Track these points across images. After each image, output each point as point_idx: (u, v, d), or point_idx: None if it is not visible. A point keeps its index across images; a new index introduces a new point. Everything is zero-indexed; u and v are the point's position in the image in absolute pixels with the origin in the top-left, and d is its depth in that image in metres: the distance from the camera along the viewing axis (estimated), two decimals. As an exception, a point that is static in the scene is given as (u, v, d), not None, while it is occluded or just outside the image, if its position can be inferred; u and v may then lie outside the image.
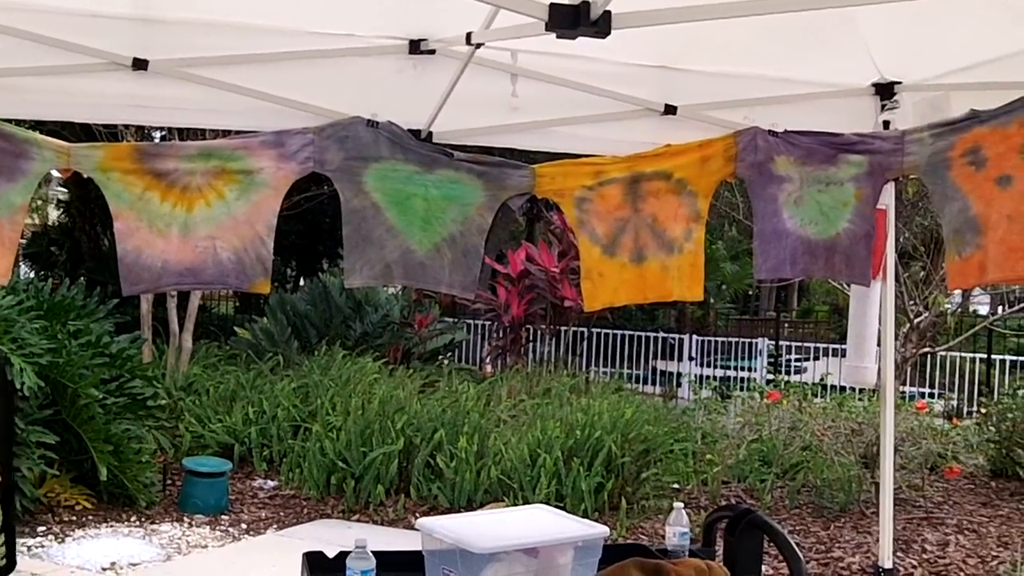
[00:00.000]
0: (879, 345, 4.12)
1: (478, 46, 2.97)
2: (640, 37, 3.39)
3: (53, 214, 24.84)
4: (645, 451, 8.10)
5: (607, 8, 1.85)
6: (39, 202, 27.97)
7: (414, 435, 8.19)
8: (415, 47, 3.36)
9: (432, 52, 3.36)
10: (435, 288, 3.58)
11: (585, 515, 7.48)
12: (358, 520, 7.64)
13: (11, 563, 1.14)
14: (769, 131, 3.66)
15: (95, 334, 8.16)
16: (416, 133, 3.49)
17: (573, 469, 7.58)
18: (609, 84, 3.61)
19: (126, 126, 10.58)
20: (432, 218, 3.40)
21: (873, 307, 4.07)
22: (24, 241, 23.41)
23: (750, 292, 27.78)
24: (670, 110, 3.72)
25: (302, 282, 22.49)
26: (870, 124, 3.87)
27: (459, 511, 7.33)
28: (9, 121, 3.21)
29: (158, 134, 14.05)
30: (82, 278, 10.08)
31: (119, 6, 3.12)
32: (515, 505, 7.03)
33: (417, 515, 7.55)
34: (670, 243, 3.64)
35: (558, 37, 1.94)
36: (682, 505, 3.35)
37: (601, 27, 1.86)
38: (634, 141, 3.72)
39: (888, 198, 3.92)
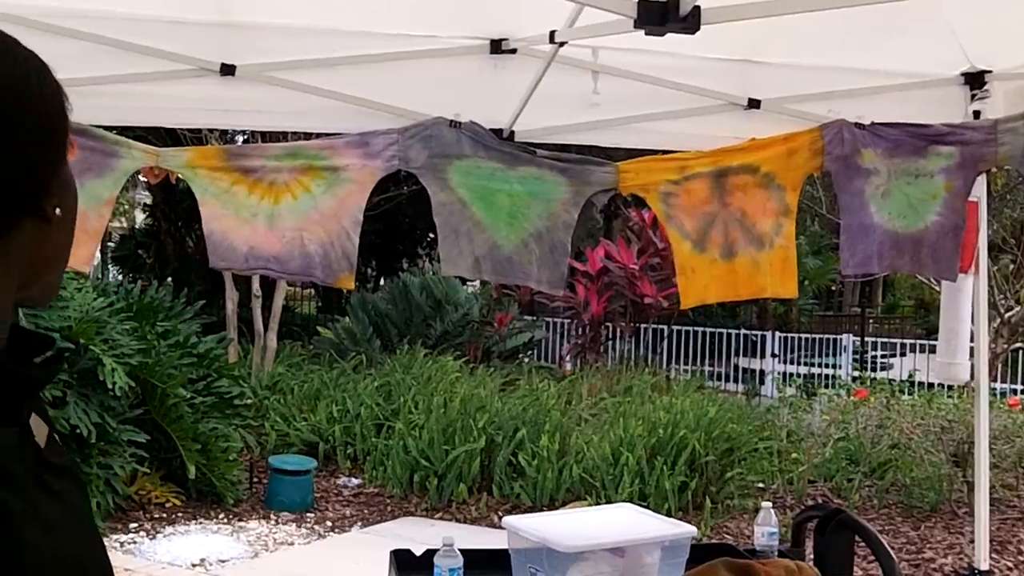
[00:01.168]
0: (972, 341, 4.02)
1: (561, 44, 2.95)
2: (720, 30, 3.35)
3: (139, 218, 25.40)
4: (729, 450, 8.02)
5: (696, 3, 1.83)
6: (125, 206, 28.66)
7: (496, 433, 8.21)
8: (496, 47, 3.36)
9: (513, 51, 3.36)
10: (523, 283, 3.59)
11: (669, 514, 7.43)
12: (441, 518, 7.68)
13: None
14: (855, 123, 3.60)
15: (183, 335, 8.32)
16: (498, 132, 3.49)
17: (656, 468, 7.53)
18: (691, 79, 3.57)
19: (211, 131, 10.77)
20: (517, 213, 3.41)
21: (965, 302, 3.97)
22: (112, 244, 23.99)
23: (833, 288, 27.34)
24: (753, 104, 3.67)
25: (382, 281, 22.67)
26: (959, 114, 3.77)
27: (541, 509, 7.34)
28: (102, 127, 3.30)
29: (240, 139, 14.29)
30: (169, 280, 10.30)
31: (206, 13, 3.17)
32: (597, 504, 7.02)
33: (499, 513, 7.57)
34: (760, 238, 3.60)
35: (647, 34, 1.92)
36: (770, 504, 3.30)
37: (690, 23, 1.84)
38: (717, 136, 3.69)
39: (979, 190, 3.82)
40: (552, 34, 2.85)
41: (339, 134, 3.39)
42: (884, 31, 3.43)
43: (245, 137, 13.89)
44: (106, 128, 3.30)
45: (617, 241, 12.61)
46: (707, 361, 15.92)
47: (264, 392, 10.35)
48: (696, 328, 15.77)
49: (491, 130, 3.47)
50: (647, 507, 7.33)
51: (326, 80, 3.38)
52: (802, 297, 22.46)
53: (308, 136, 3.92)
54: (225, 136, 11.76)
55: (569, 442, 8.05)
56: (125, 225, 27.33)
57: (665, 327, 15.32)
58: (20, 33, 2.71)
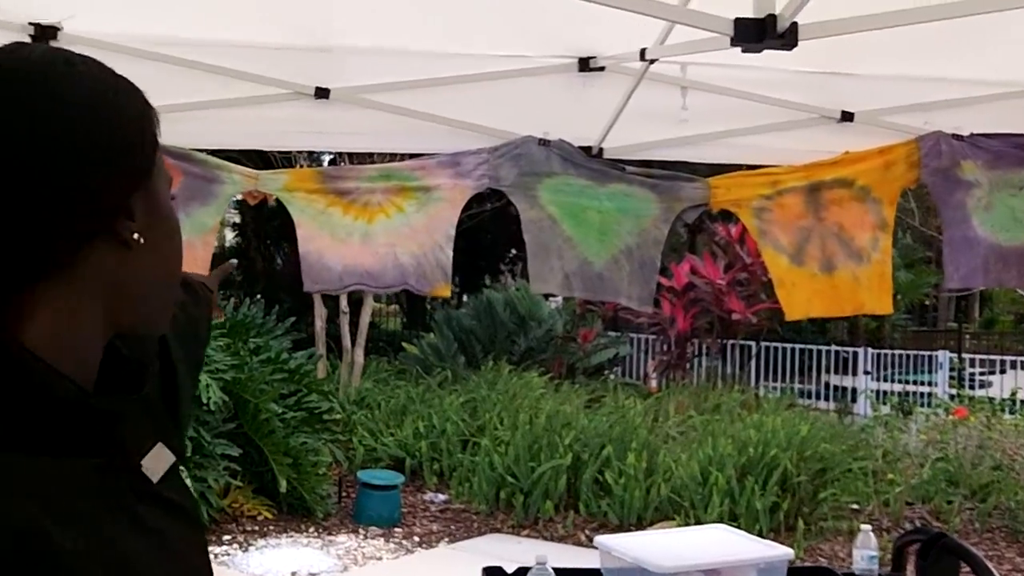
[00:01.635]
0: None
1: (652, 62, 2.94)
2: (810, 42, 3.32)
3: (228, 236, 25.93)
4: (822, 470, 7.88)
5: (795, 20, 1.81)
6: (227, 226, 29.28)
7: (582, 451, 8.19)
8: (585, 65, 3.35)
9: (602, 69, 3.35)
10: (614, 299, 3.58)
11: (760, 536, 7.31)
12: (527, 535, 7.67)
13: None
14: (953, 135, 3.53)
15: (274, 351, 8.47)
16: (587, 150, 3.49)
17: (747, 488, 7.43)
18: (781, 92, 3.52)
19: (299, 152, 10.97)
20: (608, 229, 3.41)
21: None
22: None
23: (926, 302, 26.75)
24: (846, 116, 3.60)
25: (465, 298, 22.81)
26: (1064, 125, 3.67)
27: (628, 528, 7.29)
28: (202, 151, 3.38)
29: (327, 158, 14.51)
30: (259, 297, 10.48)
31: (302, 38, 3.22)
32: (686, 524, 6.95)
33: (586, 532, 7.54)
34: (858, 252, 3.54)
35: (743, 51, 1.90)
36: (870, 527, 3.23)
37: (788, 39, 1.81)
38: (809, 150, 3.64)
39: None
40: (643, 52, 2.84)
41: (430, 154, 3.42)
42: (982, 39, 3.35)
43: (331, 158, 14.12)
44: (206, 151, 3.39)
45: (703, 256, 12.50)
46: (796, 378, 15.66)
47: (352, 407, 10.47)
48: (785, 344, 15.52)
49: (580, 148, 3.47)
50: (738, 528, 7.25)
51: (417, 101, 3.41)
52: (895, 312, 22.02)
53: (400, 157, 3.97)
54: (312, 157, 11.95)
55: (656, 460, 7.99)
56: (215, 244, 27.92)
57: (753, 344, 15.12)
58: (124, 61, 2.78)
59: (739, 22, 1.82)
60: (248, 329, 8.65)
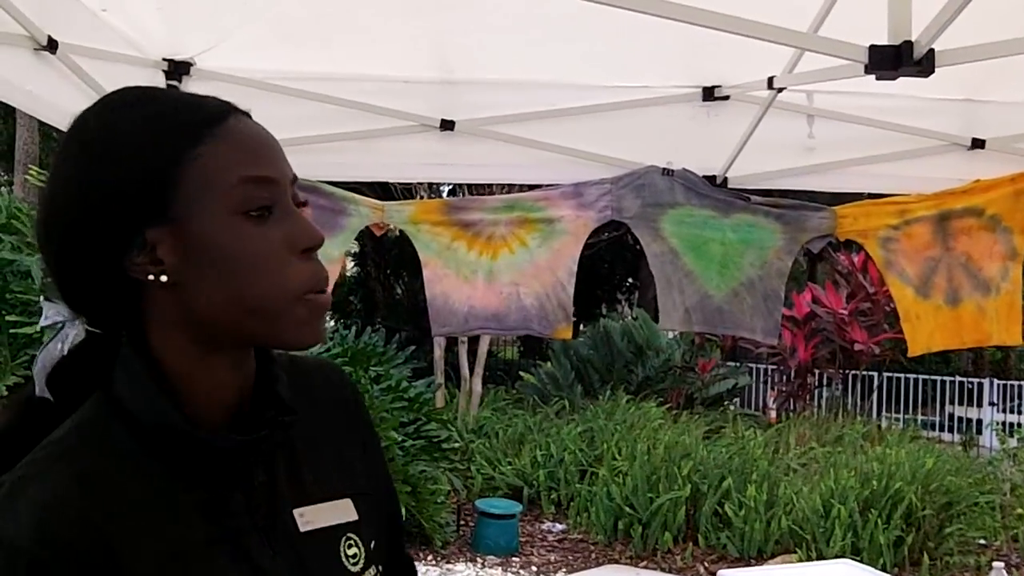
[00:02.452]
0: None
1: (780, 90, 2.93)
2: (941, 69, 3.26)
3: (349, 265, 26.45)
4: (948, 503, 7.65)
5: (932, 47, 1.79)
6: (343, 253, 29.91)
7: (700, 482, 8.10)
8: (709, 94, 3.36)
9: (726, 98, 3.35)
10: (736, 332, 3.55)
11: (884, 571, 7.13)
12: (646, 567, 7.61)
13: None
14: (1089, 162, 3.43)
15: (394, 379, 8.57)
16: (711, 179, 3.48)
17: (870, 521, 7.25)
18: (910, 119, 3.47)
19: (418, 184, 11.15)
20: (729, 262, 3.40)
21: None
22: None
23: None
24: (977, 144, 3.53)
25: (582, 327, 22.80)
26: None
27: (749, 561, 7.19)
28: (328, 182, 3.48)
29: (446, 189, 14.72)
30: (379, 325, 10.66)
31: (427, 71, 3.31)
32: (808, 558, 6.81)
33: (705, 564, 7.45)
34: (986, 283, 3.47)
35: (878, 79, 1.89)
36: (1002, 565, 3.14)
37: (925, 66, 1.79)
38: (939, 178, 3.57)
39: None
40: (771, 80, 2.83)
41: (553, 185, 3.46)
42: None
43: (450, 188, 14.32)
44: (333, 184, 3.48)
45: (825, 285, 12.28)
46: (920, 410, 15.23)
47: (470, 435, 10.54)
48: (908, 375, 15.11)
49: (704, 177, 3.47)
50: (861, 562, 7.07)
51: (540, 132, 3.46)
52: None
53: (520, 188, 4.03)
54: (431, 188, 12.13)
55: (777, 492, 7.85)
56: (339, 273, 28.55)
57: (876, 374, 14.75)
58: (254, 96, 2.89)
59: (874, 49, 1.81)
60: (369, 357, 8.78)
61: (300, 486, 1.12)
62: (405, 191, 11.09)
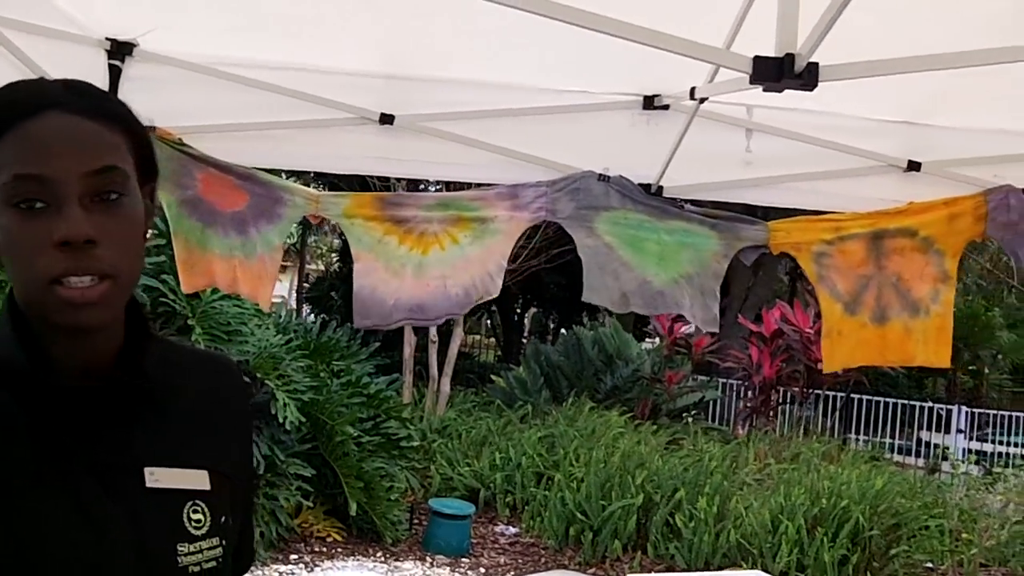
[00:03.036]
0: None
1: (702, 100, 2.96)
2: (883, 90, 3.28)
3: (333, 260, 26.48)
4: (896, 525, 7.68)
5: (811, 60, 1.81)
6: (324, 249, 29.91)
7: (654, 492, 8.13)
8: (649, 103, 3.39)
9: (666, 107, 3.38)
10: (676, 311, 3.55)
11: (829, 588, 7.18)
12: (594, 574, 7.63)
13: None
14: (1023, 190, 3.45)
15: (355, 375, 8.59)
16: (647, 187, 3.50)
17: (816, 539, 7.28)
18: (849, 139, 3.49)
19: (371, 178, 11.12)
20: (667, 257, 3.41)
21: None
22: (307, 285, 25.05)
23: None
24: (914, 166, 3.56)
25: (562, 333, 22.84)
26: None
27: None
28: (267, 170, 3.49)
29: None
30: (350, 321, 10.67)
31: (371, 64, 3.32)
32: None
33: (653, 573, 7.47)
34: (915, 304, 3.49)
35: (765, 90, 1.91)
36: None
37: (807, 80, 1.81)
38: (874, 198, 3.59)
39: None
40: (692, 90, 2.86)
41: (490, 185, 3.47)
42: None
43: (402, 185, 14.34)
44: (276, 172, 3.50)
45: (794, 304, 12.33)
46: (888, 433, 15.33)
47: (434, 435, 10.55)
48: (875, 398, 15.20)
49: (640, 185, 3.49)
50: (804, 579, 7.10)
51: (479, 131, 3.47)
52: (994, 372, 21.35)
53: (461, 186, 4.05)
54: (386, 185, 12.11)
55: (728, 506, 7.87)
56: (322, 268, 28.56)
57: (842, 394, 14.82)
58: (198, 80, 2.89)
59: (759, 60, 1.83)
60: (332, 352, 8.80)
61: (158, 449, 1.23)
62: (362, 187, 11.10)
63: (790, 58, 1.81)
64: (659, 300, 3.42)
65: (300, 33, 3.18)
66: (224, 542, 1.25)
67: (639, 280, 3.36)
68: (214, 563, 1.22)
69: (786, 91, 2.07)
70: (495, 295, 3.35)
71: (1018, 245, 3.49)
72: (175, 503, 1.21)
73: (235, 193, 3.36)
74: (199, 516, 1.22)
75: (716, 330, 3.75)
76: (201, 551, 1.20)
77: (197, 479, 1.24)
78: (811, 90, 1.83)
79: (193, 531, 1.21)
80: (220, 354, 1.55)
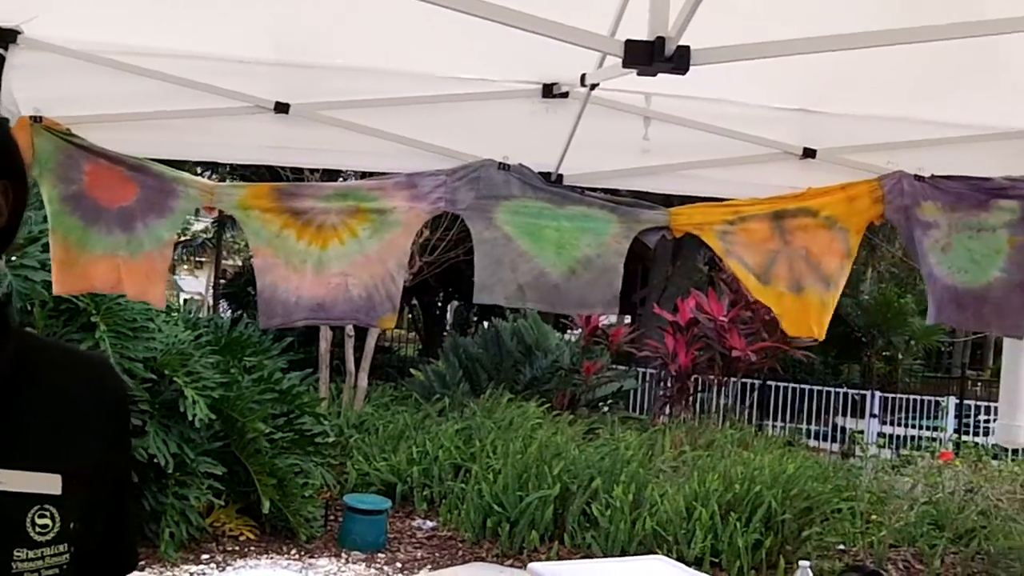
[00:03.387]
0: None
1: (593, 87, 2.96)
2: (779, 78, 3.31)
3: (251, 256, 26.06)
4: (808, 508, 7.80)
5: (680, 43, 1.81)
6: (241, 244, 29.49)
7: (571, 482, 8.15)
8: (548, 91, 3.38)
9: (565, 95, 3.37)
10: (573, 310, 3.56)
11: (741, 572, 7.27)
12: (511, 565, 7.63)
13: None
14: (915, 175, 3.52)
15: (268, 370, 8.47)
16: (547, 175, 3.49)
17: (730, 524, 7.36)
18: (746, 127, 3.53)
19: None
20: (565, 243, 3.40)
21: (1031, 361, 3.82)
22: (223, 281, 24.67)
23: (943, 348, 26.53)
24: (809, 153, 3.61)
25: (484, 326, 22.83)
26: (1032, 169, 3.65)
27: (612, 561, 7.23)
28: (161, 161, 3.41)
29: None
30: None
31: (265, 52, 3.26)
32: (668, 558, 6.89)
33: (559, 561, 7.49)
34: (826, 278, 3.52)
35: (639, 74, 1.91)
36: (808, 564, 3.21)
37: (678, 63, 1.81)
38: (771, 184, 3.63)
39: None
40: (583, 77, 2.86)
41: (388, 174, 3.43)
42: (952, 83, 3.35)
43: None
44: (164, 163, 3.41)
45: (708, 293, 12.47)
46: (806, 419, 15.61)
47: (351, 431, 10.46)
48: (789, 384, 15.47)
49: (540, 173, 3.48)
50: (719, 564, 7.19)
51: (378, 120, 3.43)
52: (908, 357, 21.86)
53: (361, 175, 4.00)
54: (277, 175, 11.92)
55: (644, 494, 7.93)
56: (240, 263, 28.17)
57: (757, 381, 15.05)
58: (86, 68, 2.80)
59: (630, 44, 1.83)
60: (244, 348, 8.67)
61: (5, 451, 1.19)
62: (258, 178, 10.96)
63: (660, 41, 1.81)
64: (555, 295, 3.41)
65: (192, 19, 3.10)
66: (72, 549, 1.21)
67: (536, 271, 3.35)
68: (56, 571, 1.18)
69: (686, 78, 2.07)
70: (396, 304, 3.31)
71: (910, 229, 3.56)
72: (19, 507, 1.17)
73: (124, 186, 3.27)
74: (46, 521, 1.18)
75: (615, 312, 3.76)
76: (43, 558, 1.17)
77: (47, 483, 1.20)
78: (683, 73, 1.83)
79: (36, 537, 1.17)
80: (90, 353, 1.52)
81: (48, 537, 1.17)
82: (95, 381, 1.36)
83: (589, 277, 3.41)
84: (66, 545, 1.19)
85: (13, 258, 6.38)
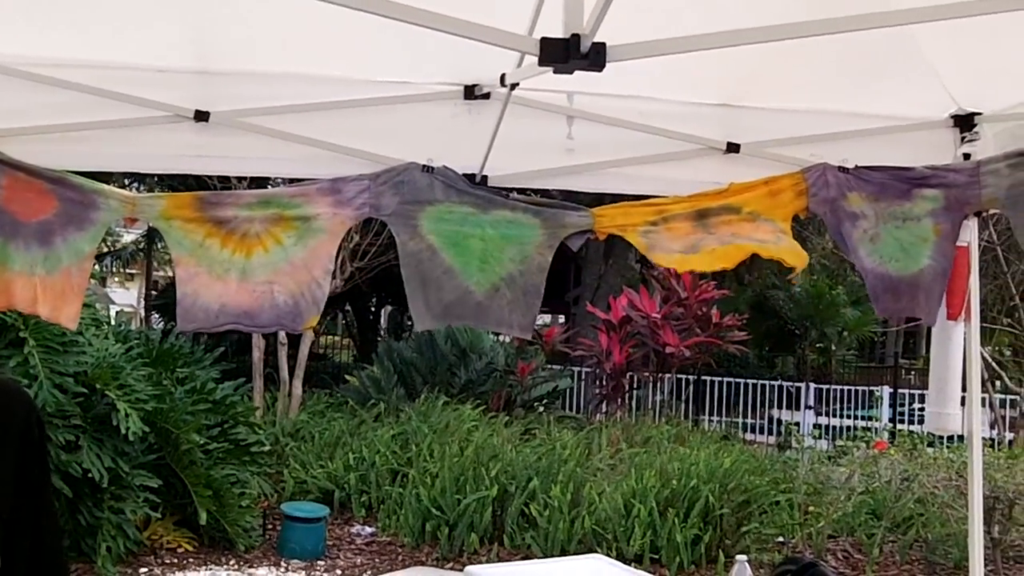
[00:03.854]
0: (964, 391, 3.93)
1: (513, 87, 2.96)
2: (700, 74, 3.34)
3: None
4: (745, 502, 7.88)
5: (595, 40, 1.81)
6: (170, 255, 29.11)
7: (508, 483, 8.15)
8: (470, 92, 3.38)
9: (487, 96, 3.37)
10: (495, 329, 3.56)
11: (681, 568, 7.32)
12: (452, 568, 7.60)
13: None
14: (839, 167, 3.56)
15: (200, 381, 8.36)
16: (471, 177, 3.48)
17: (668, 520, 7.42)
18: (668, 123, 3.56)
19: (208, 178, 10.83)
20: (490, 257, 3.39)
21: (956, 350, 3.88)
22: (155, 293, 24.32)
23: (876, 338, 26.99)
24: (732, 148, 3.65)
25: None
26: (949, 157, 3.73)
27: (552, 561, 7.24)
28: (84, 174, 3.34)
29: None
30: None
31: (182, 60, 3.22)
32: (608, 556, 6.92)
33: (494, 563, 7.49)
34: (761, 240, 3.50)
35: (555, 72, 1.91)
36: (746, 558, 3.23)
37: (593, 60, 1.82)
38: (696, 180, 3.64)
39: (969, 234, 3.74)
40: (503, 77, 2.86)
41: (311, 180, 3.40)
42: (871, 74, 3.41)
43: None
44: (87, 174, 3.34)
45: (640, 291, 12.55)
46: (741, 412, 15.78)
47: (286, 439, 10.37)
48: (728, 379, 15.62)
49: (464, 175, 3.47)
50: (659, 560, 7.23)
51: (300, 126, 3.41)
52: (841, 348, 22.19)
53: (285, 182, 3.96)
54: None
55: (582, 493, 7.95)
56: (170, 274, 27.78)
57: (691, 377, 15.18)
58: (2, 83, 2.73)
59: (545, 42, 1.83)
60: (175, 359, 8.55)
61: None
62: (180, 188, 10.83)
63: (575, 39, 1.81)
64: (477, 313, 3.39)
65: (108, 29, 3.06)
66: None
67: (461, 289, 3.33)
68: None
69: (609, 76, 2.08)
70: (321, 307, 3.28)
71: (838, 221, 3.60)
72: None
73: (42, 199, 3.19)
74: None
75: (529, 337, 3.77)
76: None
77: None
78: (599, 70, 1.83)
79: None
80: (6, 379, 1.47)
81: None
82: (10, 410, 1.33)
83: (511, 297, 3.39)
84: None
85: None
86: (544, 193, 3.71)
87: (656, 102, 3.52)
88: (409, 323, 24.76)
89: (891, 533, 8.15)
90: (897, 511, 8.13)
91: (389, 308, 25.90)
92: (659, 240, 3.52)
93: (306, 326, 3.30)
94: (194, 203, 3.32)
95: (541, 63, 1.85)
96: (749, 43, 2.19)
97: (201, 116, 3.32)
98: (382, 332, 25.35)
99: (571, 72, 1.89)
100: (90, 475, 6.65)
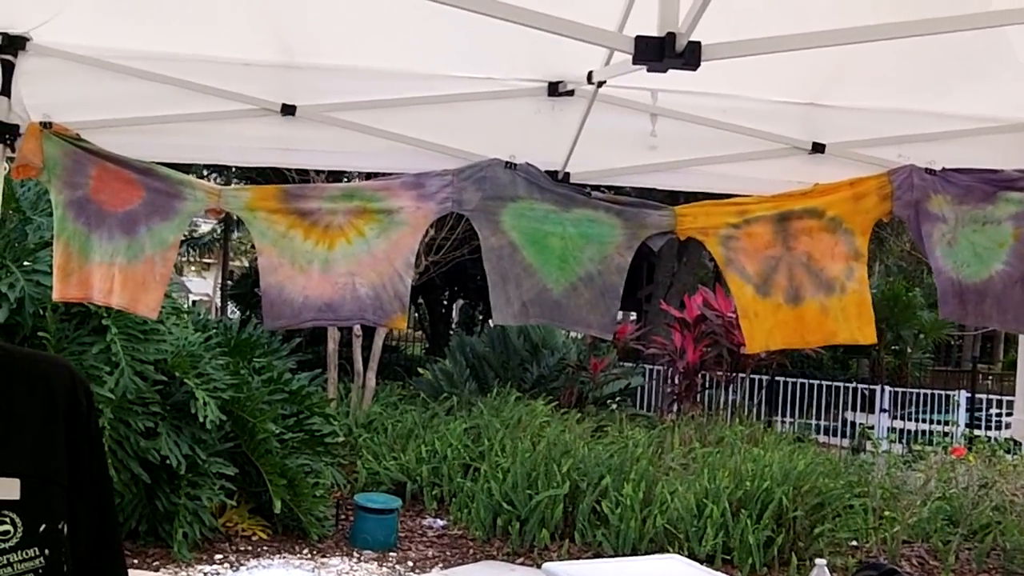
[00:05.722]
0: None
1: (600, 84, 2.94)
2: (785, 72, 3.30)
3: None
4: (819, 505, 7.78)
5: (691, 39, 1.80)
6: (248, 245, 29.56)
7: (580, 480, 8.14)
8: (554, 89, 3.37)
9: (571, 93, 3.36)
10: (572, 327, 3.56)
11: (753, 569, 7.25)
12: (522, 563, 7.62)
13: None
14: (926, 169, 3.49)
15: (277, 371, 8.49)
16: (553, 174, 3.48)
17: (741, 521, 7.35)
18: (753, 122, 3.51)
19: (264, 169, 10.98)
20: (569, 256, 3.39)
21: (1044, 356, 3.80)
22: (231, 283, 24.70)
23: (952, 342, 26.48)
24: (818, 148, 3.58)
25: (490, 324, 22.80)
26: (1047, 160, 3.63)
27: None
28: (168, 165, 3.41)
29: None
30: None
31: (269, 54, 3.26)
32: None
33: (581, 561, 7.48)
34: (829, 283, 3.50)
35: (649, 70, 1.90)
36: (824, 562, 3.19)
37: (688, 59, 1.80)
38: (780, 180, 3.61)
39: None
40: (590, 74, 2.85)
41: (395, 174, 3.42)
42: (961, 74, 3.34)
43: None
44: (172, 166, 3.41)
45: (715, 289, 12.44)
46: (815, 414, 15.57)
47: (360, 430, 10.48)
48: (799, 380, 15.42)
49: (546, 172, 3.47)
50: (731, 561, 7.17)
51: (385, 121, 3.42)
52: (916, 351, 21.80)
53: (367, 176, 3.99)
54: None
55: (654, 492, 7.91)
56: (247, 264, 28.21)
57: (765, 377, 15.00)
58: (93, 73, 2.81)
59: (640, 40, 1.82)
60: (253, 348, 8.69)
61: None
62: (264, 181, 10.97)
63: (671, 37, 1.80)
64: (555, 312, 3.40)
65: (197, 23, 3.11)
66: (48, 551, 1.20)
67: (539, 287, 3.34)
68: (32, 575, 1.17)
69: (693, 74, 2.06)
70: (406, 304, 3.31)
71: (919, 223, 3.54)
72: None
73: (129, 189, 3.26)
74: (6, 528, 1.17)
75: (610, 337, 3.76)
76: (10, 564, 1.16)
77: (3, 488, 1.19)
78: (694, 69, 1.82)
79: None
80: (52, 356, 1.50)
81: (11, 543, 1.17)
82: (55, 382, 1.35)
83: (589, 296, 3.40)
84: (37, 549, 1.18)
85: (26, 263, 6.40)
86: (622, 191, 3.69)
87: (740, 100, 3.48)
88: (481, 317, 24.87)
89: (967, 540, 7.98)
90: (974, 518, 7.96)
91: (461, 302, 26.00)
92: (737, 253, 3.49)
93: (391, 323, 3.34)
94: (278, 195, 3.38)
95: (635, 61, 1.83)
96: (840, 44, 2.15)
97: (288, 110, 3.35)
98: (454, 326, 25.47)
99: (665, 71, 1.88)
100: (168, 462, 6.79)
